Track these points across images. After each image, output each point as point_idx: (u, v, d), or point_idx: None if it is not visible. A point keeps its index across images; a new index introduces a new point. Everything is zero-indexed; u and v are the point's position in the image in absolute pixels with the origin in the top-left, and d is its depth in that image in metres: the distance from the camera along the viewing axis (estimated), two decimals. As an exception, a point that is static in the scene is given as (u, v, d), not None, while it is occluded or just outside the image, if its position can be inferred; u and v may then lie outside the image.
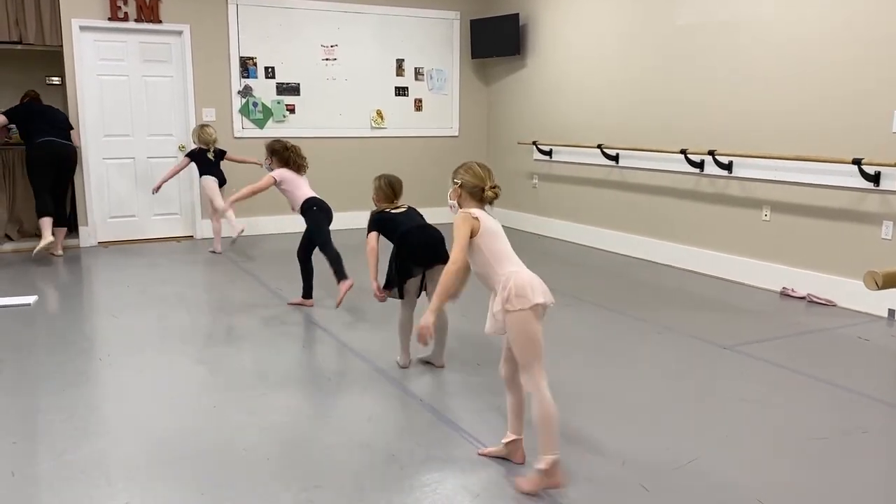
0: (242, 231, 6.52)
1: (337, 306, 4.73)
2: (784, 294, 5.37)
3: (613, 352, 4.22)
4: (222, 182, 6.99)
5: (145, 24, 7.20)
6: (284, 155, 4.97)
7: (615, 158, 6.94)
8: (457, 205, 2.78)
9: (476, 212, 2.69)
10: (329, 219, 4.99)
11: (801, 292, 5.27)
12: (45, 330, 4.54)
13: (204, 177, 6.88)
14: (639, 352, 4.19)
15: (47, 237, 6.40)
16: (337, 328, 4.57)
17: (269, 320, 4.79)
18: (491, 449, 2.86)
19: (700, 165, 6.03)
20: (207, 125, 7.02)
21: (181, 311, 4.99)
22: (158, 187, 6.89)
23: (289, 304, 5.08)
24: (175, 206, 7.67)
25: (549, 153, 7.86)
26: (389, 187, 3.90)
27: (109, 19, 7.08)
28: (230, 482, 2.67)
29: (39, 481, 2.68)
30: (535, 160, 8.09)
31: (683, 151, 6.08)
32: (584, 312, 4.99)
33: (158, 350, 4.19)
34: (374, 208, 3.93)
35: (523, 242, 7.67)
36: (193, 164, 6.90)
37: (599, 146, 7.01)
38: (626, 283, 5.91)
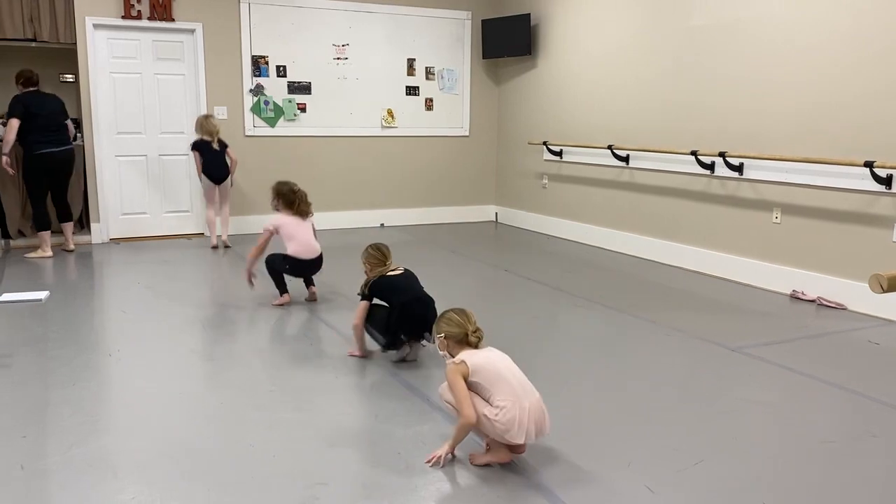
0: (216, 246, 7.05)
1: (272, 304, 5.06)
2: (794, 297, 5.34)
3: (622, 353, 4.21)
4: (224, 177, 7.04)
5: (158, 22, 7.25)
6: (290, 198, 5.03)
7: (626, 159, 6.93)
8: (448, 355, 2.84)
9: (463, 356, 2.74)
10: (301, 273, 5.08)
11: (812, 295, 5.24)
12: (56, 325, 4.57)
13: (204, 176, 6.97)
14: (647, 353, 4.18)
15: (46, 251, 6.56)
16: (344, 326, 4.57)
17: (276, 317, 4.81)
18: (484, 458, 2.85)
19: (711, 167, 6.01)
20: (211, 115, 7.11)
21: (190, 307, 5.02)
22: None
23: (273, 304, 5.07)
24: (186, 204, 7.71)
25: (560, 153, 7.85)
26: (378, 251, 3.99)
27: (123, 17, 7.13)
28: (236, 478, 2.69)
29: (48, 475, 2.70)
30: (546, 160, 8.08)
31: (694, 153, 6.06)
32: (593, 313, 4.98)
33: (167, 346, 4.22)
34: (367, 278, 3.96)
35: (532, 243, 7.68)
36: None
37: (610, 147, 6.99)
38: (636, 284, 5.89)
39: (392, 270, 3.93)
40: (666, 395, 3.56)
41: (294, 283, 5.10)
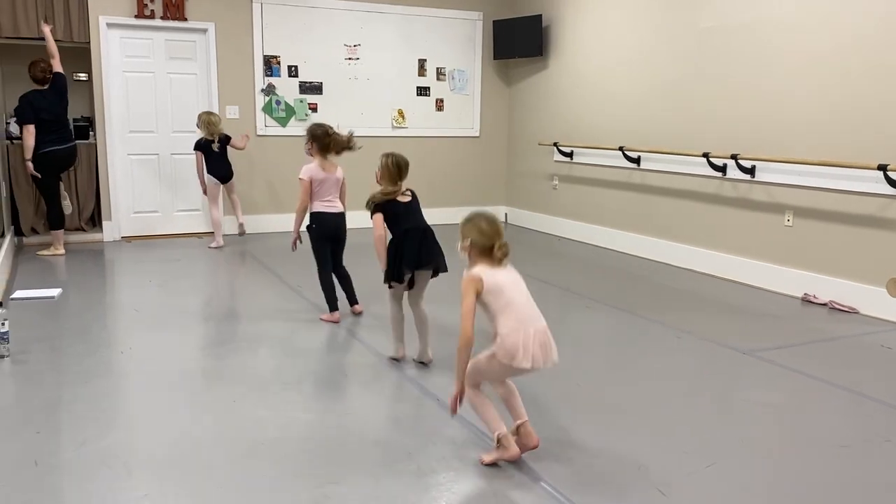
0: (221, 245, 7.07)
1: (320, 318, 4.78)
2: (805, 300, 5.32)
3: (632, 355, 4.21)
4: (229, 176, 7.12)
5: (171, 21, 7.29)
6: (325, 141, 4.66)
7: (637, 161, 6.91)
8: (468, 259, 2.80)
9: (482, 273, 2.71)
10: (334, 237, 4.75)
11: (823, 299, 5.22)
12: (69, 322, 4.60)
13: (208, 176, 7.04)
14: (657, 356, 4.17)
15: (59, 250, 6.60)
16: (355, 326, 4.59)
17: (288, 316, 4.82)
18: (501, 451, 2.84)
19: (722, 169, 5.99)
20: (213, 112, 7.12)
21: (202, 305, 5.04)
22: (206, 190, 7.15)
23: (321, 318, 4.79)
24: (197, 203, 7.74)
25: (570, 155, 7.84)
26: (396, 167, 3.81)
27: (136, 17, 7.17)
28: (248, 477, 2.70)
29: (61, 471, 2.72)
30: (556, 161, 8.07)
31: (706, 155, 6.04)
32: (602, 315, 4.98)
33: (179, 344, 4.24)
34: (377, 190, 3.85)
35: (542, 244, 7.67)
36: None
37: (621, 148, 6.98)
38: (646, 286, 5.88)
39: (402, 195, 3.82)
40: (677, 397, 3.55)
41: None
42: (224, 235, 7.22)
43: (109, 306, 5.17)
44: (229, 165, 7.11)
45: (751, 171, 5.74)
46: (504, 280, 2.73)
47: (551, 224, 8.20)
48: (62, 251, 6.61)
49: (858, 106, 4.97)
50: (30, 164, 6.34)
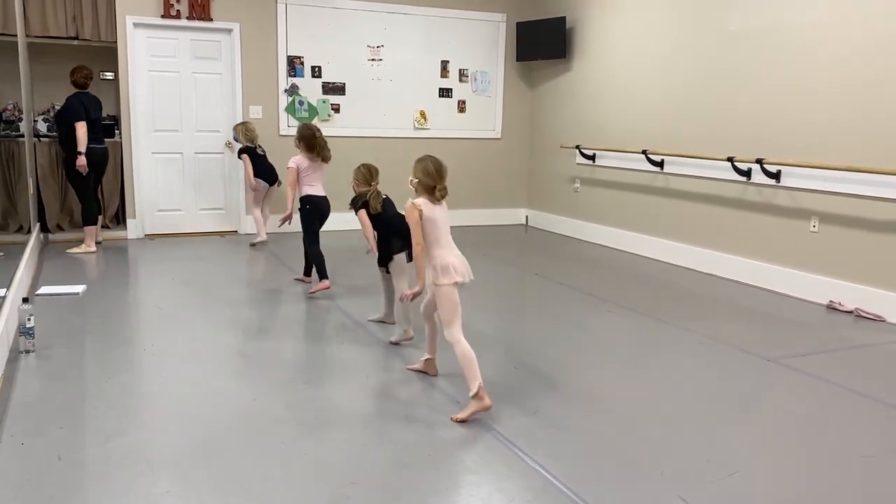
0: (265, 242, 7.22)
1: (309, 294, 5.31)
2: (831, 307, 5.25)
3: (654, 361, 4.17)
4: (274, 179, 7.28)
5: (196, 21, 7.35)
6: (311, 142, 5.32)
7: (660, 164, 6.86)
8: (415, 191, 3.38)
9: (422, 205, 3.30)
10: (322, 217, 5.42)
11: (849, 306, 5.15)
12: (93, 319, 4.65)
13: (258, 179, 7.22)
14: (680, 361, 4.13)
15: (91, 247, 6.66)
16: (375, 325, 4.60)
17: (308, 315, 4.84)
18: (416, 365, 3.76)
19: (747, 174, 5.93)
20: (247, 122, 7.34)
21: (224, 303, 5.07)
22: (255, 189, 7.33)
23: (309, 293, 5.30)
24: (220, 202, 7.80)
25: (593, 157, 7.80)
26: (367, 170, 4.52)
27: (162, 17, 7.24)
28: (268, 475, 2.71)
29: (85, 467, 2.75)
30: (578, 164, 8.04)
31: (731, 159, 5.98)
32: (624, 320, 4.94)
33: (202, 342, 4.27)
34: (355, 194, 4.50)
35: (563, 247, 7.63)
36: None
37: (644, 152, 6.93)
38: (669, 291, 5.83)
39: (374, 197, 4.35)
40: (699, 404, 3.51)
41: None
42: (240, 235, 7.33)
43: (133, 303, 5.22)
44: (274, 170, 7.28)
45: (776, 175, 5.67)
46: (438, 216, 3.32)
47: (573, 227, 8.17)
48: (93, 248, 6.67)
49: (886, 110, 4.90)
50: (82, 158, 6.41)
